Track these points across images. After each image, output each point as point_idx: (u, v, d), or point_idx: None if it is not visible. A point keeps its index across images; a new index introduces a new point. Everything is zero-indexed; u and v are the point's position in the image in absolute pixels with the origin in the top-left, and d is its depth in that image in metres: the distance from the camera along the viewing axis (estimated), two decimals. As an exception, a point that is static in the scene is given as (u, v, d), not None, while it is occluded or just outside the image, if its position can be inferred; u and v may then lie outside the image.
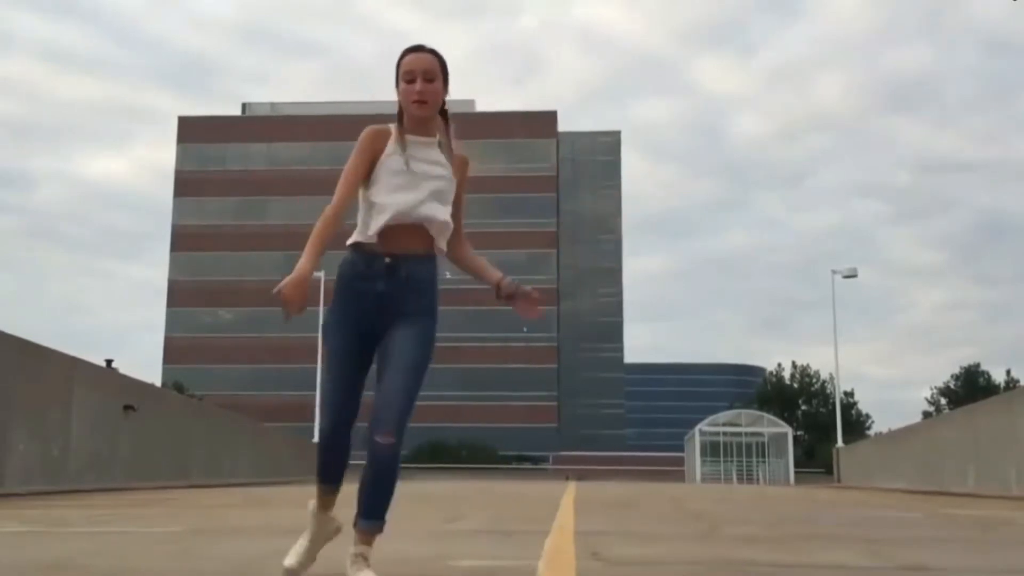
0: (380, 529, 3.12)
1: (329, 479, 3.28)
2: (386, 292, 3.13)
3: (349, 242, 3.21)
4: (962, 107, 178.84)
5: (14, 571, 3.51)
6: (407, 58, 3.15)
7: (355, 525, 3.10)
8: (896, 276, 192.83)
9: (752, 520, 7.60)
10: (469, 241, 3.37)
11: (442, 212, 3.17)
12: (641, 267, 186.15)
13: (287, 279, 3.01)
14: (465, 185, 3.29)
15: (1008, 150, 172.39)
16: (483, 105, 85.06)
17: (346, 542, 3.14)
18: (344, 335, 3.18)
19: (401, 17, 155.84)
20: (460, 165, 3.25)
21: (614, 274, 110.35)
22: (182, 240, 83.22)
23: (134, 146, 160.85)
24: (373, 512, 3.09)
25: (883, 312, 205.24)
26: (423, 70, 3.12)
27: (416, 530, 6.01)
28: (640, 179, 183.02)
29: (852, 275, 36.52)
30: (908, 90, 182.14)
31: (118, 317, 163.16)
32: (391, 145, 3.18)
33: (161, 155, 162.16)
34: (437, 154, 3.20)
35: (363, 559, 3.05)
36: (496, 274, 3.26)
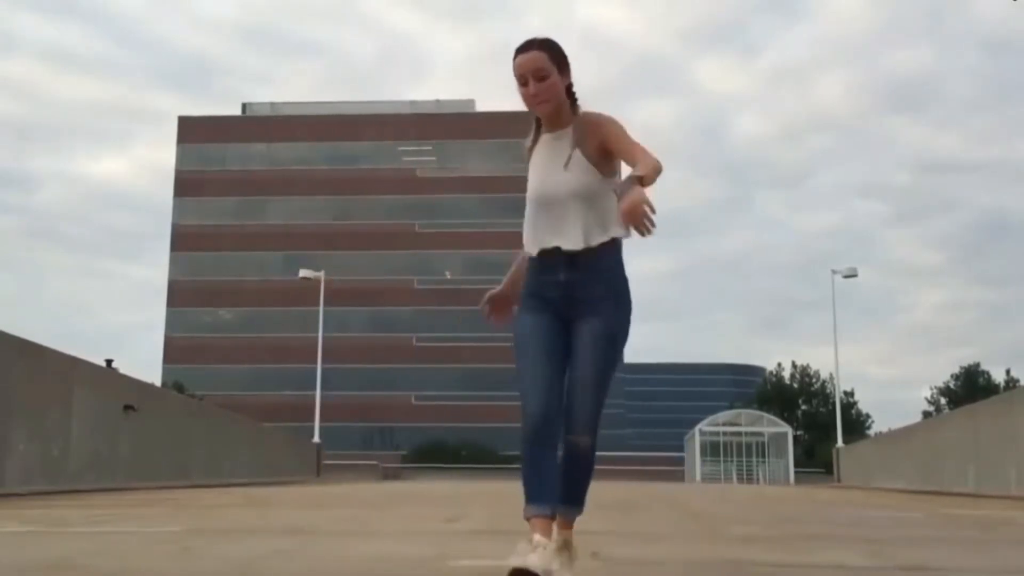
0: (580, 512, 3.21)
1: (535, 495, 3.00)
2: (568, 280, 3.09)
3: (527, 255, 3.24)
4: (963, 108, 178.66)
5: (14, 571, 3.51)
6: (515, 61, 3.11)
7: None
8: (896, 276, 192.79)
9: (752, 520, 7.60)
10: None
11: (577, 202, 3.07)
12: (641, 267, 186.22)
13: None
14: (614, 135, 3.07)
15: (1009, 151, 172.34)
16: (483, 105, 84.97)
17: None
18: (532, 315, 3.13)
19: (402, 17, 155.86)
20: (592, 128, 3.13)
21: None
22: (182, 240, 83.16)
23: (135, 146, 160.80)
24: (572, 499, 3.17)
25: (883, 312, 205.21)
26: (532, 70, 3.08)
27: (416, 530, 6.02)
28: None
29: (852, 275, 36.53)
30: (909, 91, 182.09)
31: (118, 317, 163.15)
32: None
33: (161, 155, 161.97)
34: (566, 144, 3.14)
35: (567, 547, 3.14)
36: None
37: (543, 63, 3.08)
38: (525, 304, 3.18)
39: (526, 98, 3.13)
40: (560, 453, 3.07)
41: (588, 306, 3.08)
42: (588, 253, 3.07)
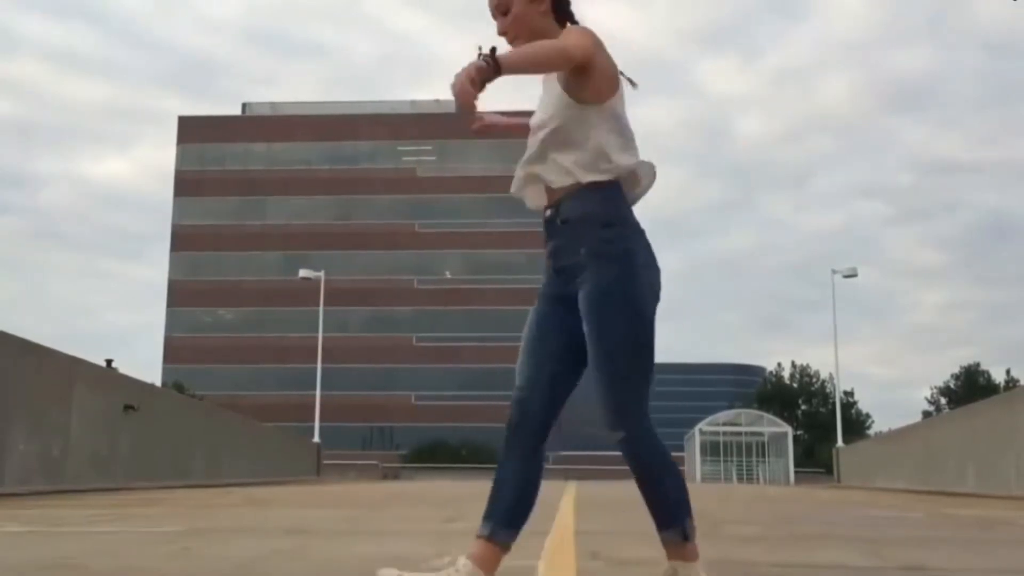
0: (677, 539, 2.59)
1: (495, 512, 2.62)
2: (555, 248, 2.65)
3: None
4: (965, 108, 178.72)
5: (14, 571, 3.50)
6: None
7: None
8: (897, 276, 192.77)
9: (752, 520, 7.59)
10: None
11: (550, 161, 2.64)
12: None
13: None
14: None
15: (1010, 151, 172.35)
16: (484, 105, 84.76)
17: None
18: (537, 303, 2.72)
19: (403, 18, 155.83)
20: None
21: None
22: (182, 240, 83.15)
23: (136, 147, 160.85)
24: (659, 521, 2.64)
25: (884, 312, 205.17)
26: (493, 6, 2.78)
27: (416, 530, 6.01)
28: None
29: (852, 275, 36.55)
30: (911, 91, 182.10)
31: (118, 317, 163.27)
32: None
33: (163, 155, 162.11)
34: (549, 86, 2.74)
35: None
36: None
37: None
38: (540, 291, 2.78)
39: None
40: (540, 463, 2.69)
41: (581, 278, 2.58)
42: (563, 207, 2.60)
